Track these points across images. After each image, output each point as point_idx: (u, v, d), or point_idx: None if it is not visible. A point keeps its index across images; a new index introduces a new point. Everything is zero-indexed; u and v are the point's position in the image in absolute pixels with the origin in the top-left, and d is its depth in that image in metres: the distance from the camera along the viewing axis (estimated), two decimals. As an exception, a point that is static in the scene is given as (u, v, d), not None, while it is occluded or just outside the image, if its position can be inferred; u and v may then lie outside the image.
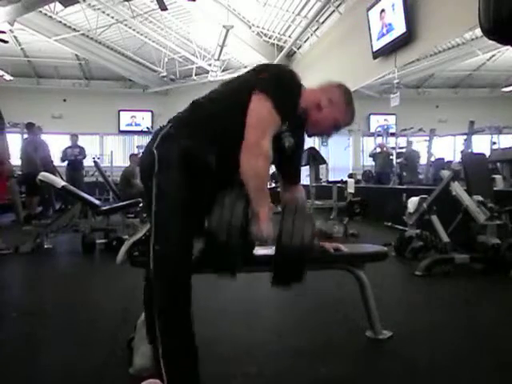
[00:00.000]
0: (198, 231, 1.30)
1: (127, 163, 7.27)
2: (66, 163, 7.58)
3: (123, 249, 1.49)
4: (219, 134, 1.34)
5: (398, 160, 8.82)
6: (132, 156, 7.26)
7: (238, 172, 1.30)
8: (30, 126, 6.72)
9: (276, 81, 1.34)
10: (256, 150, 1.27)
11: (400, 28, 5.82)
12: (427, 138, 9.32)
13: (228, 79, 1.48)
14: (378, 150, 9.16)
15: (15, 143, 6.80)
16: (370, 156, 9.45)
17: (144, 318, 1.45)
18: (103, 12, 9.16)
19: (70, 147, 7.72)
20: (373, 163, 9.49)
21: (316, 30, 8.89)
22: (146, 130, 12.33)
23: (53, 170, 6.36)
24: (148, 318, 1.28)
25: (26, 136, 6.90)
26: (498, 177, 4.46)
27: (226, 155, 1.31)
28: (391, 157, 8.83)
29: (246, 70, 1.48)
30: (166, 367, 1.19)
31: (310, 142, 7.97)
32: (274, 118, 1.30)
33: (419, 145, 9.58)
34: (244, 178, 1.29)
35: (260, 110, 1.29)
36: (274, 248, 1.33)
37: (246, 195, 1.30)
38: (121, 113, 13.49)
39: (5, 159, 3.72)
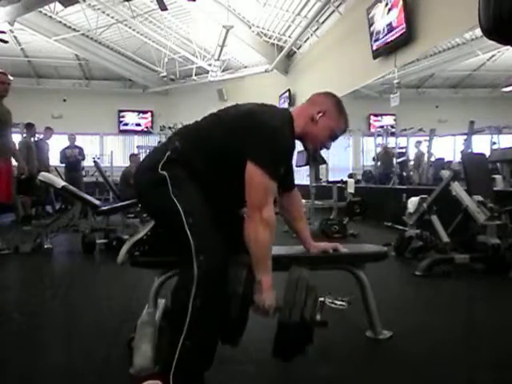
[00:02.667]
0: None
1: (127, 163, 7.29)
2: (64, 164, 7.58)
3: (124, 249, 1.49)
4: (216, 171, 1.39)
5: (399, 160, 8.82)
6: (132, 156, 7.27)
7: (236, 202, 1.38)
8: (28, 127, 6.71)
9: (265, 145, 1.33)
10: (257, 217, 1.29)
11: (400, 28, 5.82)
12: (427, 138, 9.31)
13: (221, 115, 1.47)
14: (383, 151, 9.17)
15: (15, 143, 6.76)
16: (373, 159, 9.45)
17: (147, 317, 1.46)
18: (103, 12, 9.16)
19: (68, 148, 7.72)
20: (373, 163, 9.50)
21: (316, 30, 8.89)
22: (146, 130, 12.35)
23: (48, 170, 6.37)
24: (173, 326, 1.27)
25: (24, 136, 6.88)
26: (497, 177, 4.46)
27: (226, 186, 1.39)
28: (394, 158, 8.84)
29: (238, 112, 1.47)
30: (176, 372, 1.19)
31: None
32: (270, 185, 1.33)
33: (419, 145, 9.58)
34: (247, 244, 1.31)
35: (256, 181, 1.31)
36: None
37: (249, 263, 1.32)
38: (122, 113, 13.50)
39: (12, 159, 3.71)
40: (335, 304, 1.42)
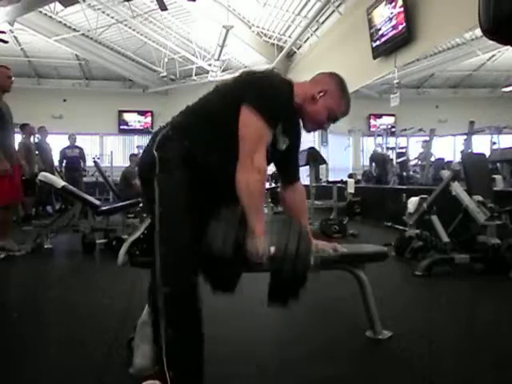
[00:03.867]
0: (202, 229, 1.29)
1: (127, 163, 7.28)
2: (64, 163, 7.58)
3: (123, 249, 1.49)
4: (215, 135, 1.35)
5: (398, 160, 8.82)
6: (132, 156, 7.27)
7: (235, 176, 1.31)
8: (24, 128, 6.63)
9: (264, 91, 1.33)
10: (249, 164, 1.27)
11: (400, 28, 5.83)
12: (427, 138, 9.32)
13: (219, 84, 1.47)
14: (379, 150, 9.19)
15: (15, 144, 6.76)
16: (370, 160, 9.44)
17: (147, 317, 1.46)
18: (103, 12, 9.16)
19: (68, 147, 7.71)
20: (373, 163, 9.51)
21: (316, 30, 8.89)
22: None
23: (53, 171, 6.37)
24: (154, 315, 1.27)
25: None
26: (497, 177, 4.47)
27: (224, 155, 1.32)
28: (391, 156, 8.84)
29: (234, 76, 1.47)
30: (168, 362, 1.19)
31: (310, 142, 8.00)
32: (264, 131, 1.30)
33: (419, 145, 9.58)
34: (239, 193, 1.29)
35: (250, 126, 1.29)
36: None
37: (242, 211, 1.30)
38: (122, 113, 13.50)
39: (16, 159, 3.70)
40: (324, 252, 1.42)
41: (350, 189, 5.87)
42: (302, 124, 1.53)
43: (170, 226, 1.26)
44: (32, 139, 6.74)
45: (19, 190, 3.81)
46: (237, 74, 1.47)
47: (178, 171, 1.29)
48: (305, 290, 1.32)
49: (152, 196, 1.29)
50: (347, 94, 1.51)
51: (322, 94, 1.45)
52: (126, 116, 13.58)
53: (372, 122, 13.13)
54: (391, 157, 9.29)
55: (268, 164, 1.42)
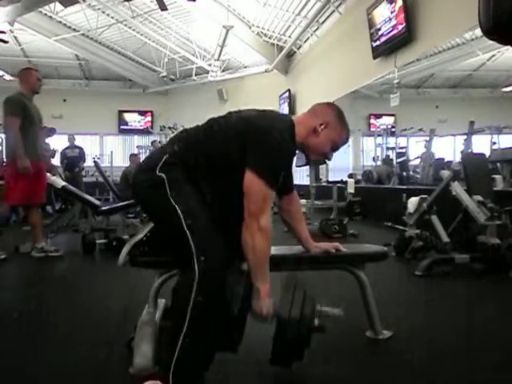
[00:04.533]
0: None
1: (127, 163, 7.29)
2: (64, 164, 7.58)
3: (125, 250, 1.49)
4: (216, 175, 1.40)
5: (398, 160, 8.82)
6: (132, 156, 7.28)
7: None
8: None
9: (267, 152, 1.34)
10: (255, 226, 1.30)
11: (400, 28, 5.83)
12: (427, 138, 9.32)
13: (220, 120, 1.48)
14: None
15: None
16: (373, 159, 9.43)
17: (147, 317, 1.46)
18: (103, 12, 9.16)
19: (68, 148, 7.71)
20: (373, 163, 9.51)
21: (316, 30, 8.89)
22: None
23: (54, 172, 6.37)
24: (173, 323, 1.28)
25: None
26: (497, 177, 4.47)
27: (220, 196, 1.40)
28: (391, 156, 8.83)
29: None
30: (175, 370, 1.19)
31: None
32: (269, 194, 1.33)
33: (419, 145, 9.58)
34: (244, 252, 1.32)
35: (254, 189, 1.31)
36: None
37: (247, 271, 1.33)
38: (122, 113, 13.49)
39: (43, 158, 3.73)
40: (329, 313, 1.42)
41: (350, 189, 5.86)
42: (305, 156, 1.58)
43: (204, 235, 1.29)
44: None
45: (42, 191, 3.81)
46: (240, 116, 1.47)
47: (189, 187, 1.35)
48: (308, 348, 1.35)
49: (162, 214, 1.36)
50: (346, 124, 1.54)
51: (323, 126, 1.48)
52: (126, 116, 13.57)
53: (372, 121, 13.12)
54: (391, 157, 9.28)
55: None
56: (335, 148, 1.54)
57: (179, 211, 1.29)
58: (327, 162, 6.35)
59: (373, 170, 9.20)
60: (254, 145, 1.35)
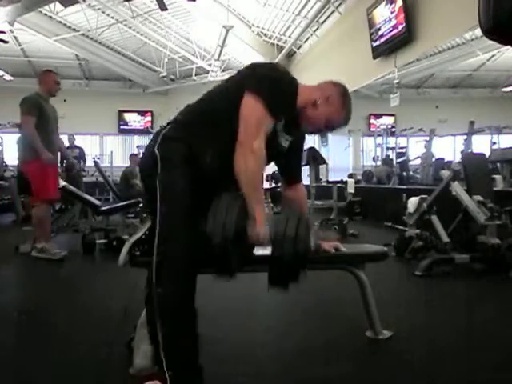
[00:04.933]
0: (202, 229, 1.29)
1: (127, 163, 7.28)
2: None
3: (124, 250, 1.49)
4: (217, 133, 1.35)
5: (398, 160, 8.82)
6: (132, 156, 7.27)
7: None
8: (20, 126, 6.67)
9: (268, 79, 1.34)
10: (247, 148, 1.27)
11: (400, 28, 5.83)
12: (427, 138, 9.32)
13: (222, 80, 1.49)
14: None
15: (15, 144, 6.77)
16: (373, 159, 9.43)
17: (145, 317, 1.45)
18: (103, 12, 9.16)
19: (68, 148, 7.71)
20: (373, 163, 9.50)
21: (316, 30, 8.89)
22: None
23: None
24: (149, 316, 1.28)
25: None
26: (497, 177, 4.46)
27: (225, 153, 1.31)
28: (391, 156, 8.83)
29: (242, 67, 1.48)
30: (167, 362, 1.20)
31: (310, 142, 7.99)
32: (265, 117, 1.30)
33: (419, 145, 9.59)
34: (237, 177, 1.29)
35: (251, 109, 1.29)
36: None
37: (242, 196, 1.30)
38: (122, 113, 13.49)
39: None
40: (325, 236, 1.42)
41: (350, 189, 5.86)
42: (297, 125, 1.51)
43: (170, 225, 1.26)
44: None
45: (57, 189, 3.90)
46: (242, 69, 1.46)
47: (180, 170, 1.30)
48: (305, 275, 1.33)
49: (153, 195, 1.29)
50: (349, 105, 1.49)
51: (323, 100, 1.44)
52: (126, 116, 13.57)
53: (372, 121, 13.12)
54: (391, 157, 9.28)
55: (268, 162, 1.42)
56: (331, 126, 1.49)
57: (158, 194, 1.27)
58: (327, 161, 6.35)
59: (373, 170, 9.21)
60: (256, 74, 1.34)
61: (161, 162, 1.30)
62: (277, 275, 1.35)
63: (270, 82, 1.33)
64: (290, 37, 9.48)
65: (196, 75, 11.70)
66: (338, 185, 5.83)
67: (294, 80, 1.44)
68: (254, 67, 1.41)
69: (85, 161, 7.76)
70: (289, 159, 1.56)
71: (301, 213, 1.37)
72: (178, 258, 1.24)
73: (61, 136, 4.10)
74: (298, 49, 9.96)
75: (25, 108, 3.62)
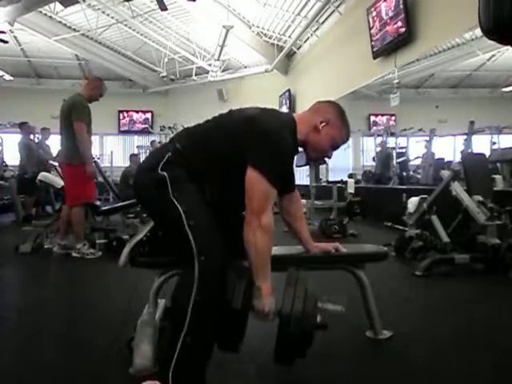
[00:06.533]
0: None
1: (127, 163, 7.29)
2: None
3: (126, 251, 1.49)
4: (215, 172, 1.40)
5: (398, 160, 8.81)
6: (132, 156, 7.28)
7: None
8: (22, 126, 6.68)
9: (270, 151, 1.33)
10: (255, 225, 1.30)
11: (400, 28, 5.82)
12: (427, 138, 9.31)
13: (223, 118, 1.49)
14: (380, 149, 9.18)
15: (15, 143, 6.78)
16: (373, 159, 9.42)
17: (145, 317, 1.46)
18: (103, 12, 9.15)
19: None
20: (373, 163, 9.48)
21: (316, 30, 8.88)
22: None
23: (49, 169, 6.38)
24: (175, 323, 1.28)
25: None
26: (497, 177, 4.46)
27: (224, 192, 1.40)
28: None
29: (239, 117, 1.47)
30: (175, 368, 1.20)
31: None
32: (271, 192, 1.33)
33: (419, 145, 9.57)
34: (246, 249, 1.32)
35: (257, 187, 1.31)
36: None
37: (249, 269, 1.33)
38: (122, 113, 13.47)
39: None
40: (331, 310, 1.42)
41: (350, 189, 5.87)
42: (305, 154, 1.58)
43: (206, 235, 1.29)
44: (32, 138, 6.75)
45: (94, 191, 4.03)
46: (242, 114, 1.47)
47: (193, 187, 1.35)
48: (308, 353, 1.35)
49: (164, 214, 1.36)
50: (347, 122, 1.54)
51: (324, 124, 1.48)
52: (126, 116, 13.55)
53: (372, 121, 13.12)
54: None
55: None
56: (335, 146, 1.54)
57: (181, 211, 1.29)
58: (327, 161, 6.36)
59: (372, 170, 9.20)
60: (256, 144, 1.35)
61: (170, 179, 1.33)
62: (283, 351, 1.35)
63: (273, 155, 1.34)
64: (290, 37, 9.47)
65: (196, 75, 11.69)
66: (338, 185, 5.84)
67: (292, 128, 1.45)
68: (255, 129, 1.37)
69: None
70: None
71: (306, 284, 1.38)
72: (220, 267, 1.27)
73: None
74: (298, 49, 9.95)
75: (79, 114, 3.63)
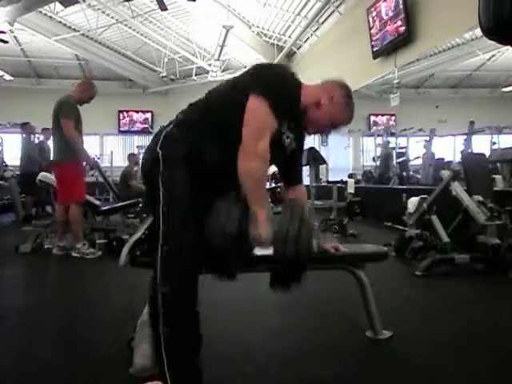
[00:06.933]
0: (204, 228, 1.30)
1: (127, 163, 7.27)
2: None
3: (125, 250, 1.48)
4: (219, 133, 1.36)
5: (398, 160, 8.82)
6: (130, 156, 7.26)
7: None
8: (24, 126, 6.71)
9: (273, 82, 1.35)
10: (251, 151, 1.28)
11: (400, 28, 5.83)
12: (427, 138, 9.32)
13: (226, 80, 1.49)
14: (383, 150, 9.18)
15: (15, 143, 6.79)
16: (373, 159, 9.43)
17: (145, 317, 1.45)
18: (103, 12, 9.15)
19: None
20: (373, 163, 9.48)
21: (316, 30, 8.89)
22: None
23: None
24: (152, 316, 1.28)
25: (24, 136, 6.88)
26: (497, 177, 4.46)
27: (228, 154, 1.32)
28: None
29: (244, 70, 1.48)
30: (168, 362, 1.20)
31: (310, 142, 8.00)
32: (270, 120, 1.31)
33: (419, 145, 9.58)
34: (241, 179, 1.29)
35: (256, 112, 1.30)
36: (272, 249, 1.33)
37: (245, 197, 1.30)
38: (122, 113, 13.47)
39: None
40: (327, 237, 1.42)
41: (350, 189, 5.87)
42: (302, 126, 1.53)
43: (174, 224, 1.26)
44: (32, 138, 6.75)
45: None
46: (240, 71, 1.48)
47: (182, 169, 1.30)
48: (306, 277, 1.33)
49: (155, 194, 1.30)
50: (352, 104, 1.51)
51: (327, 100, 1.45)
52: (126, 116, 13.55)
53: (372, 121, 13.12)
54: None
55: (270, 164, 1.42)
56: (335, 125, 1.50)
57: (161, 194, 1.28)
58: (327, 161, 6.36)
59: (372, 170, 9.20)
60: (259, 78, 1.35)
61: (163, 160, 1.30)
62: (279, 276, 1.35)
63: (275, 83, 1.34)
64: (290, 37, 9.48)
65: (196, 75, 11.69)
66: (338, 185, 5.84)
67: (298, 83, 1.44)
68: (259, 69, 1.42)
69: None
70: (289, 160, 1.56)
71: (303, 212, 1.37)
72: (183, 257, 1.24)
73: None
74: (298, 49, 9.95)
75: (65, 111, 3.65)
